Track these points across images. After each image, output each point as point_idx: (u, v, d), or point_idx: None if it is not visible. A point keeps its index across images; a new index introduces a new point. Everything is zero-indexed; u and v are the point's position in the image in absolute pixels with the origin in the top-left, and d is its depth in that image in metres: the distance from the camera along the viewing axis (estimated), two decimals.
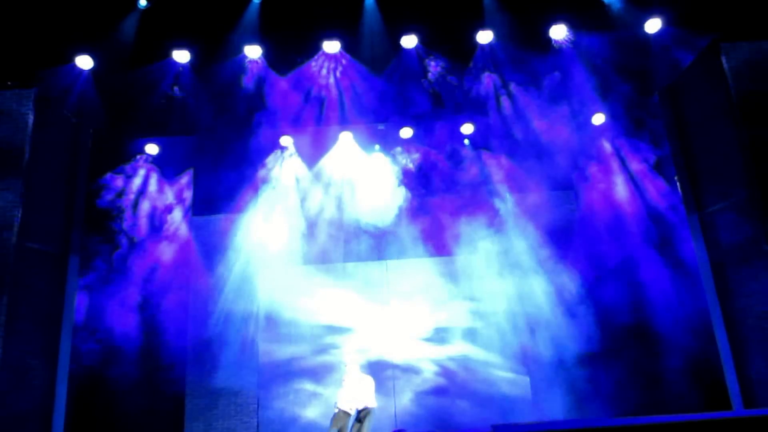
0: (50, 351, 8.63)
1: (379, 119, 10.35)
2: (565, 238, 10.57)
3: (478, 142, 10.80)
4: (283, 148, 10.91)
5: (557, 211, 10.53)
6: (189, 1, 8.64)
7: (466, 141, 10.86)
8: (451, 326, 10.63)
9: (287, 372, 10.39)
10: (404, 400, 10.28)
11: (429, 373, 10.41)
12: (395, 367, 10.40)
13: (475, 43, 9.43)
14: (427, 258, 10.83)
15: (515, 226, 10.92)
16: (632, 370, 10.17)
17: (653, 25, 9.08)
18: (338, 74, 9.72)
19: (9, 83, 8.46)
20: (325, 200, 10.86)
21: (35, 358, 8.34)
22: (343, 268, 10.87)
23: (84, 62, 8.96)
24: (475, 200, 10.83)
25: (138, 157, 10.55)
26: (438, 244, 10.82)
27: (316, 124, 10.25)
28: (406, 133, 10.72)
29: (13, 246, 7.99)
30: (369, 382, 8.69)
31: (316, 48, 9.43)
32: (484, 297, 10.71)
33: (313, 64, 9.65)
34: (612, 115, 10.10)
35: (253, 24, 8.85)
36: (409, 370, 10.32)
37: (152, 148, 10.60)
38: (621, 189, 10.39)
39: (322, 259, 10.83)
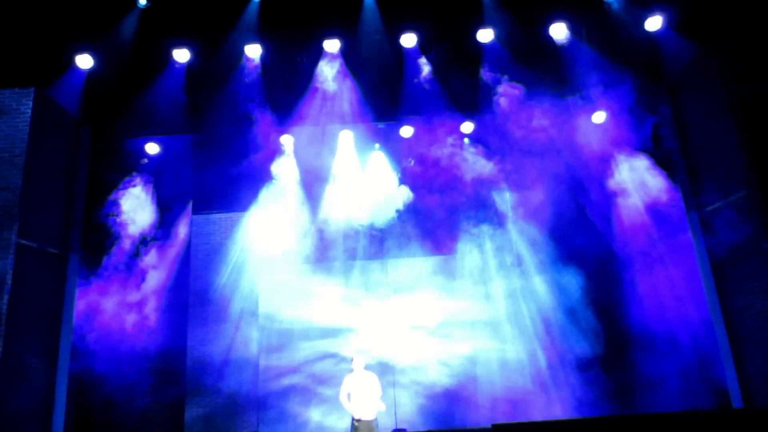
0: (50, 351, 8.64)
1: (379, 118, 10.35)
2: (566, 236, 10.57)
3: (478, 140, 10.80)
4: (282, 147, 10.90)
5: (557, 209, 10.53)
6: (189, 0, 8.65)
7: (466, 140, 10.86)
8: (451, 326, 10.63)
9: (287, 371, 10.38)
10: (404, 399, 10.28)
11: (429, 372, 10.40)
12: (395, 366, 10.39)
13: (475, 42, 9.43)
14: (427, 257, 10.83)
15: (515, 224, 10.93)
16: (632, 369, 10.18)
17: (654, 24, 9.09)
18: (338, 73, 9.72)
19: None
20: (325, 199, 10.85)
21: (35, 358, 8.34)
22: (343, 266, 10.85)
23: (84, 61, 8.95)
24: (476, 198, 10.83)
25: (138, 155, 10.52)
26: (438, 242, 10.82)
27: (316, 122, 10.24)
28: (406, 131, 10.72)
29: (13, 245, 7.97)
30: (376, 382, 8.45)
31: (316, 46, 9.44)
32: (485, 296, 10.71)
33: (313, 62, 9.66)
34: (612, 113, 10.10)
35: (253, 23, 8.86)
36: (410, 370, 10.32)
37: (152, 147, 10.57)
38: (621, 188, 10.39)
39: (322, 258, 10.82)
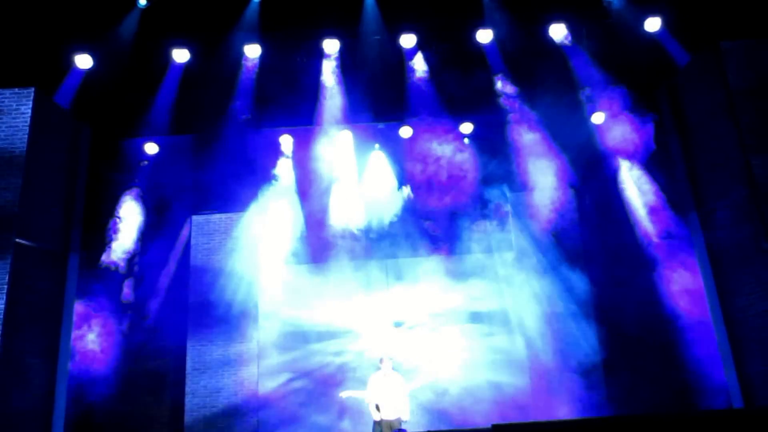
0: (50, 350, 8.63)
1: (378, 118, 10.35)
2: (566, 236, 10.57)
3: (479, 140, 10.80)
4: (282, 147, 10.90)
5: (558, 209, 10.52)
6: (188, 0, 8.65)
7: (466, 139, 10.86)
8: (452, 326, 10.62)
9: (287, 371, 10.37)
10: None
11: (430, 372, 10.38)
12: (395, 366, 10.37)
13: (475, 42, 9.44)
14: (427, 257, 10.83)
15: (516, 225, 10.93)
16: (632, 369, 10.17)
17: (653, 24, 9.10)
18: (338, 73, 9.72)
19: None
20: (325, 199, 10.84)
21: (35, 358, 8.33)
22: (342, 267, 10.84)
23: (84, 61, 8.96)
24: (476, 199, 10.83)
25: (137, 155, 10.52)
26: (439, 242, 10.82)
27: (315, 123, 10.25)
28: (406, 132, 10.72)
29: (12, 245, 7.97)
30: (403, 383, 8.53)
31: (316, 47, 9.44)
32: (486, 296, 10.70)
33: (313, 63, 9.66)
34: (612, 114, 10.09)
35: (252, 23, 8.86)
36: (410, 370, 10.30)
37: (152, 147, 10.58)
38: (621, 187, 10.39)
39: (322, 258, 10.80)
